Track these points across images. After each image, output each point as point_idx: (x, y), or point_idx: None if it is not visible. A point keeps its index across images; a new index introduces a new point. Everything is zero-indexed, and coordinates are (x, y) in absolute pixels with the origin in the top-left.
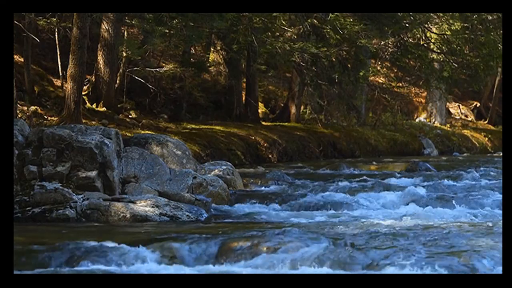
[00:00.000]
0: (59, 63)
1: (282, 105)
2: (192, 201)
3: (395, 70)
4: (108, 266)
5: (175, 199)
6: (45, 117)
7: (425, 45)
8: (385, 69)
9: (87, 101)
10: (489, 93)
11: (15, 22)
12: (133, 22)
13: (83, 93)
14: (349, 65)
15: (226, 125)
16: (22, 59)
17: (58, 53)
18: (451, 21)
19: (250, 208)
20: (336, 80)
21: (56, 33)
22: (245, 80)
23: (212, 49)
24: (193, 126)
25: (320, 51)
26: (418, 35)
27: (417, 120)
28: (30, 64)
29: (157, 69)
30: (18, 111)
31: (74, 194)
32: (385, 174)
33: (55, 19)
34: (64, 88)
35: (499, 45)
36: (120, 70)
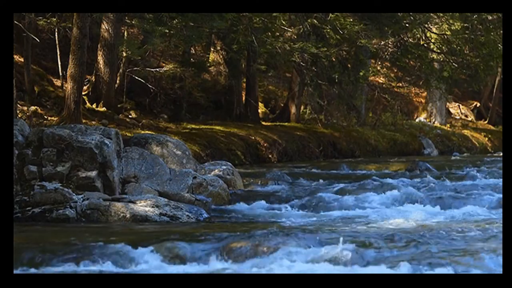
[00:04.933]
0: (59, 63)
1: (282, 105)
2: (192, 201)
3: (395, 70)
4: (108, 266)
5: (175, 199)
6: (45, 117)
7: (425, 45)
8: (385, 69)
9: (87, 101)
10: (489, 93)
11: (15, 22)
12: (133, 22)
13: (83, 93)
14: (349, 65)
15: (226, 125)
16: (22, 59)
17: (58, 53)
18: (451, 21)
19: (250, 208)
20: (336, 80)
21: (56, 33)
22: (245, 80)
23: (212, 49)
24: (193, 126)
25: (320, 51)
26: (418, 35)
27: (417, 120)
28: (30, 64)
29: (157, 69)
30: (18, 111)
31: (74, 194)
32: (385, 174)
33: (55, 19)
34: (64, 88)
35: (499, 45)
36: (120, 70)
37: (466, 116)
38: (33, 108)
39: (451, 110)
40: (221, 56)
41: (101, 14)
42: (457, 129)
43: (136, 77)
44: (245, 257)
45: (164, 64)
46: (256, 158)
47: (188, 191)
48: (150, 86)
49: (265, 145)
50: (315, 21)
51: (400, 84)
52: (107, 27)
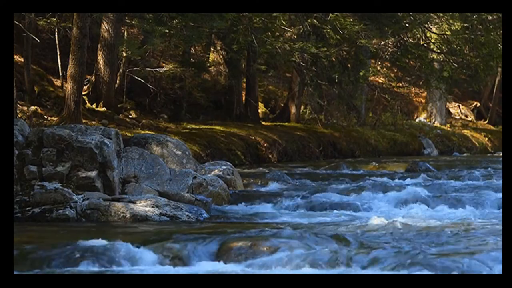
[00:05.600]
0: (59, 63)
1: (282, 105)
2: (192, 201)
3: (395, 70)
4: (108, 266)
5: (175, 199)
6: (45, 117)
7: (425, 45)
8: (385, 69)
9: (87, 101)
10: (489, 93)
11: (15, 22)
12: (133, 22)
13: (83, 93)
14: (349, 65)
15: (226, 125)
16: (22, 59)
17: (58, 53)
18: (451, 21)
19: (250, 208)
20: (336, 80)
21: (56, 33)
22: (245, 80)
23: (212, 49)
24: (193, 126)
25: (320, 51)
26: (418, 35)
27: (417, 120)
28: (30, 64)
29: (157, 69)
30: (18, 111)
31: (74, 194)
32: (385, 174)
33: (55, 19)
34: (64, 88)
35: (499, 45)
36: (120, 70)
37: (466, 116)
38: (33, 108)
39: (451, 110)
40: (221, 56)
41: (101, 14)
42: (457, 129)
43: (136, 77)
44: (245, 257)
45: (164, 64)
46: (256, 158)
47: (188, 191)
48: (150, 86)
49: (265, 145)
50: (315, 21)
51: (400, 84)
52: (107, 27)
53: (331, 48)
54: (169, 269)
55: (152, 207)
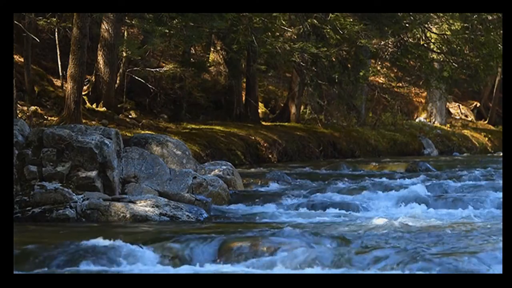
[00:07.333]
0: (59, 63)
1: (282, 105)
2: (192, 201)
3: (395, 70)
4: (108, 266)
5: (175, 199)
6: (45, 117)
7: (425, 45)
8: (385, 69)
9: (87, 101)
10: (489, 93)
11: (15, 22)
12: (133, 22)
13: (83, 93)
14: (349, 65)
15: (226, 125)
16: (22, 59)
17: (58, 53)
18: (451, 21)
19: (250, 208)
20: (336, 80)
21: (56, 33)
22: (245, 80)
23: (212, 49)
24: (193, 126)
25: (320, 51)
26: (418, 35)
27: (417, 120)
28: (30, 64)
29: (157, 69)
30: (18, 111)
31: (74, 194)
32: (385, 174)
33: (55, 19)
34: (64, 88)
35: (499, 45)
36: (120, 70)
37: (466, 116)
38: (33, 108)
39: (451, 110)
40: (221, 56)
41: (101, 14)
42: (457, 129)
43: (136, 77)
44: (245, 257)
45: (164, 64)
46: (256, 158)
47: (188, 191)
48: (150, 86)
49: (265, 145)
50: (315, 21)
51: (400, 84)
52: (107, 27)
53: (331, 48)
54: (169, 269)
55: (152, 207)
